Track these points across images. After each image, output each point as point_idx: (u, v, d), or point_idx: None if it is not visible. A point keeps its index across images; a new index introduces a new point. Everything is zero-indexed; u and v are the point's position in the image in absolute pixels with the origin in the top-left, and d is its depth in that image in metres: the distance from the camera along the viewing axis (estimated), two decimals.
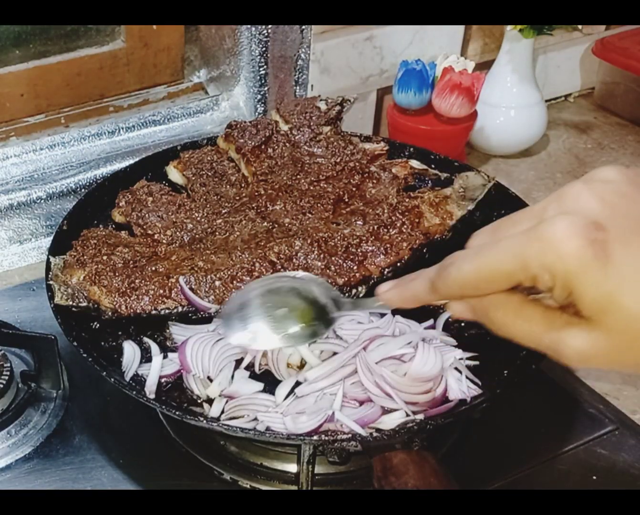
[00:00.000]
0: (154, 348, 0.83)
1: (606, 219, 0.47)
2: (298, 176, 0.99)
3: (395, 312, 0.84)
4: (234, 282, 0.86)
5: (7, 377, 0.86)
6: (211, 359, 0.80)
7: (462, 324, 0.87)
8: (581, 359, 0.48)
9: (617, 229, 0.46)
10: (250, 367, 0.82)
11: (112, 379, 0.78)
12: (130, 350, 0.83)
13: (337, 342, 0.82)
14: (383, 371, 0.77)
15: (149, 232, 0.94)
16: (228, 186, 1.01)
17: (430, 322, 0.86)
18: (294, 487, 0.81)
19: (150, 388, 0.79)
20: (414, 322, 0.84)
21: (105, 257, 0.88)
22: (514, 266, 0.48)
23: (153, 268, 0.87)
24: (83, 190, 1.12)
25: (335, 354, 0.80)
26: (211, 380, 0.80)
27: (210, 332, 0.83)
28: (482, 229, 0.55)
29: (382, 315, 0.84)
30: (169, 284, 0.85)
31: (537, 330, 0.49)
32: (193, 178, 1.01)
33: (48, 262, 0.89)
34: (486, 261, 0.50)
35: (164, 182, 1.03)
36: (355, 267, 0.88)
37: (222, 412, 0.77)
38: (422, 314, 0.86)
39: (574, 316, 0.48)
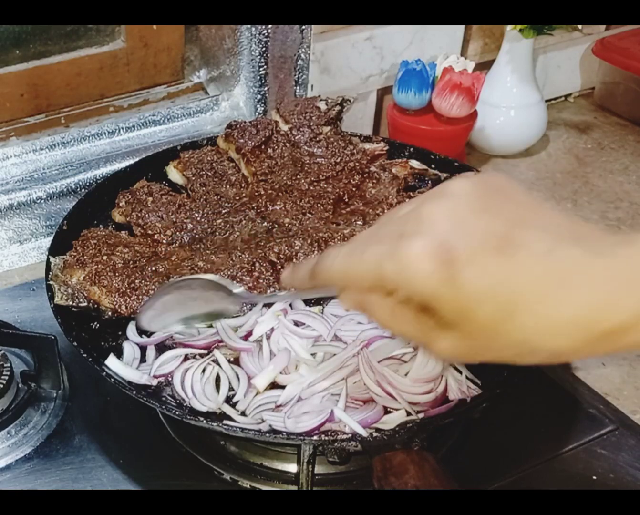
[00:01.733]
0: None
1: (455, 238, 0.50)
2: (298, 176, 0.99)
3: None
4: (234, 282, 0.85)
5: (7, 377, 0.86)
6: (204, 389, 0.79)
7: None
8: (450, 356, 0.54)
9: (465, 247, 0.50)
10: None
11: (112, 379, 0.78)
12: (130, 350, 0.83)
13: (336, 344, 0.82)
14: (385, 370, 0.77)
15: (149, 232, 0.94)
16: (228, 186, 1.01)
17: None
18: (294, 487, 0.81)
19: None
20: None
21: (105, 257, 0.88)
22: (374, 278, 0.53)
23: (153, 268, 0.87)
24: (83, 190, 1.12)
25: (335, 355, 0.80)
26: None
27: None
28: (374, 224, 0.59)
29: None
30: None
31: (409, 330, 0.54)
32: (193, 178, 1.01)
33: (48, 262, 0.89)
34: (352, 267, 0.55)
35: (164, 182, 1.04)
36: None
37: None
38: None
39: (438, 321, 0.52)
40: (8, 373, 0.87)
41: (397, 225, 0.54)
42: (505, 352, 0.51)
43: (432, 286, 0.50)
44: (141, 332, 0.84)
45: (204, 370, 0.80)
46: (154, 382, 0.79)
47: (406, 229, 0.52)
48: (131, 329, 0.85)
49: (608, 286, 0.48)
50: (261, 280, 0.86)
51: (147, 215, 0.96)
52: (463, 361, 0.52)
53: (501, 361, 0.52)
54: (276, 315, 0.83)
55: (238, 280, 0.86)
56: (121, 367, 0.80)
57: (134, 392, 0.76)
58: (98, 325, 0.85)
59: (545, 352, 0.50)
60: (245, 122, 1.06)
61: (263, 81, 1.21)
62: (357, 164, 1.01)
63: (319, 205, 0.96)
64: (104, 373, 0.78)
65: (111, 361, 0.80)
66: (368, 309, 0.56)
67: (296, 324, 0.83)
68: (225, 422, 0.75)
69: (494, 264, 0.49)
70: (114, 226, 0.98)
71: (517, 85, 1.31)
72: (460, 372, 0.79)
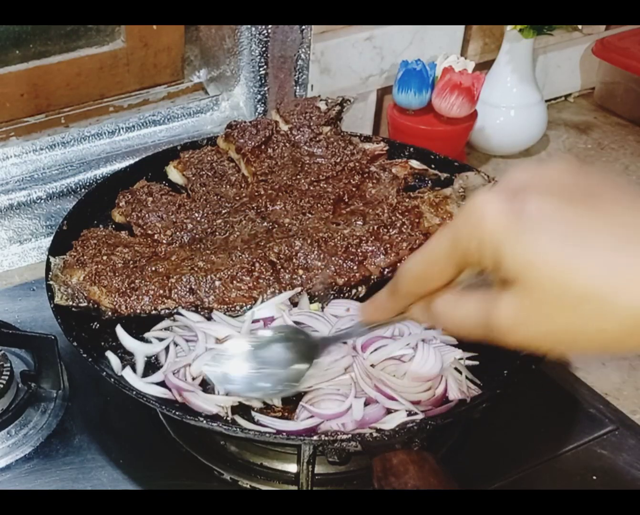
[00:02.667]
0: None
1: (529, 186, 0.48)
2: (298, 176, 0.99)
3: None
4: (234, 282, 0.86)
5: (7, 377, 0.86)
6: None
7: None
8: (512, 326, 0.48)
9: (537, 195, 0.47)
10: None
11: (112, 379, 0.78)
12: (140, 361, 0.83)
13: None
14: (381, 374, 0.77)
15: (149, 232, 0.94)
16: (228, 186, 1.01)
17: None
18: (294, 487, 0.81)
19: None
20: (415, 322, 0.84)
21: (105, 257, 0.88)
22: (449, 244, 0.50)
23: (153, 268, 0.87)
24: (83, 190, 1.12)
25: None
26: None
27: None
28: None
29: None
30: (169, 284, 0.85)
31: (472, 313, 0.51)
32: (193, 178, 1.01)
33: (48, 262, 0.89)
34: (428, 249, 0.52)
35: (164, 182, 1.04)
36: (355, 267, 0.88)
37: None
38: None
39: (502, 281, 0.49)
40: (8, 373, 0.87)
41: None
42: (573, 320, 0.47)
43: (499, 226, 0.47)
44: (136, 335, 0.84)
45: None
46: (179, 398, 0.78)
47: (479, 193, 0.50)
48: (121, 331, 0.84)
49: None
50: (261, 280, 0.86)
51: (147, 215, 0.96)
52: (528, 336, 0.48)
53: (568, 338, 0.48)
54: (279, 308, 0.83)
55: (238, 280, 0.86)
56: (137, 380, 0.79)
57: (134, 392, 0.76)
58: (98, 325, 0.85)
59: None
60: (245, 122, 1.06)
61: (263, 81, 1.21)
62: (357, 164, 1.01)
63: (319, 205, 0.96)
64: (104, 373, 0.78)
65: (127, 373, 0.80)
66: (434, 309, 0.54)
67: (297, 324, 0.83)
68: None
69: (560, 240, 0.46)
70: (114, 226, 0.98)
71: (517, 85, 1.31)
72: (460, 372, 0.79)
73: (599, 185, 0.49)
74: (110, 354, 0.81)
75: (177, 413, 0.74)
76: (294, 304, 0.86)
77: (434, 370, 0.78)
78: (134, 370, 0.80)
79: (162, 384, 0.79)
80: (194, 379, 0.78)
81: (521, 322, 0.48)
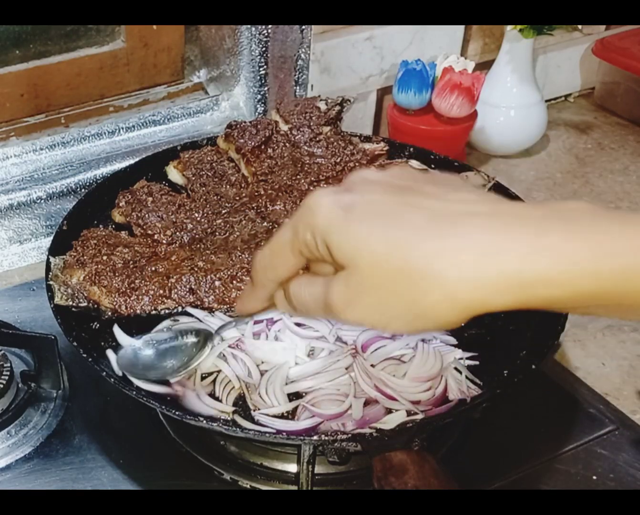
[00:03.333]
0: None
1: (357, 179, 0.55)
2: (298, 176, 0.99)
3: None
4: (234, 282, 0.86)
5: (7, 377, 0.86)
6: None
7: (462, 324, 0.87)
8: (343, 304, 0.53)
9: (361, 184, 0.54)
10: None
11: (112, 379, 0.78)
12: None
13: (336, 344, 0.81)
14: (381, 374, 0.77)
15: (149, 232, 0.94)
16: (228, 186, 1.01)
17: None
18: (294, 487, 0.81)
19: None
20: None
21: (105, 257, 0.88)
22: (290, 235, 0.56)
23: (153, 268, 0.87)
24: (83, 190, 1.12)
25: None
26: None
27: None
28: None
29: None
30: (169, 284, 0.85)
31: (315, 294, 0.56)
32: (193, 178, 1.01)
33: (48, 262, 0.89)
34: (274, 240, 0.58)
35: (164, 182, 1.04)
36: None
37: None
38: None
39: (334, 266, 0.54)
40: (8, 373, 0.87)
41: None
42: (392, 294, 0.51)
43: (329, 217, 0.52)
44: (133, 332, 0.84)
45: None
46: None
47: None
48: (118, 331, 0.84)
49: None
50: None
51: (147, 215, 0.96)
52: (357, 309, 0.53)
53: (391, 313, 0.52)
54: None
55: (238, 280, 0.86)
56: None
57: (134, 392, 0.76)
58: (98, 325, 0.85)
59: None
60: (245, 122, 1.06)
61: (263, 81, 1.21)
62: (357, 164, 1.01)
63: None
64: (104, 373, 0.78)
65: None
66: (290, 294, 0.58)
67: (298, 325, 0.83)
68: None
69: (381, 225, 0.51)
70: (114, 226, 0.98)
71: (517, 85, 1.31)
72: (460, 372, 0.79)
73: (422, 179, 0.55)
74: (110, 353, 0.81)
75: (177, 413, 0.74)
76: None
77: (434, 370, 0.78)
78: None
79: (163, 383, 0.79)
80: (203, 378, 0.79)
81: (350, 300, 0.53)
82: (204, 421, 0.73)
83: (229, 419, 0.75)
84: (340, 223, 0.52)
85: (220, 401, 0.77)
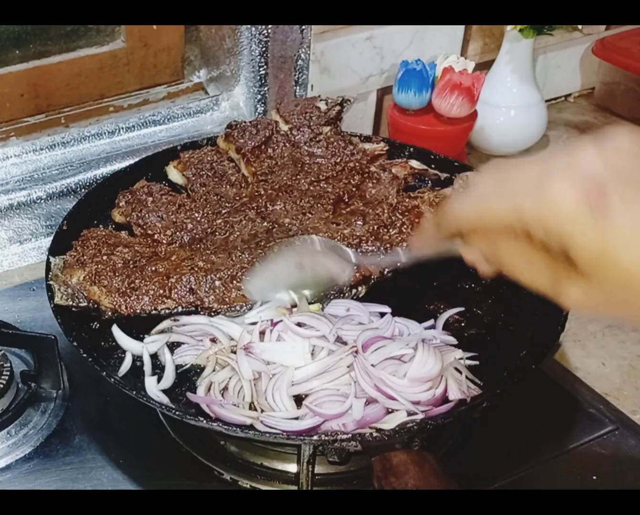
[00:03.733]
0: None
1: (608, 180, 0.48)
2: (298, 176, 0.99)
3: (395, 313, 0.84)
4: (234, 282, 0.86)
5: (7, 377, 0.86)
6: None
7: (462, 324, 0.87)
8: (579, 308, 0.51)
9: (618, 188, 0.48)
10: None
11: (112, 379, 0.78)
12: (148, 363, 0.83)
13: (336, 344, 0.81)
14: (382, 374, 0.77)
15: (149, 232, 0.94)
16: (228, 186, 1.01)
17: (431, 322, 0.86)
18: (294, 487, 0.81)
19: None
20: (414, 322, 0.84)
21: (105, 257, 0.88)
22: (511, 215, 0.51)
23: (153, 268, 0.87)
24: (83, 190, 1.12)
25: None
26: None
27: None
28: (487, 172, 0.56)
29: (382, 315, 0.84)
30: (169, 284, 0.85)
31: (541, 278, 0.52)
32: (193, 178, 1.01)
33: (48, 262, 0.89)
34: (487, 206, 0.53)
35: (164, 182, 1.03)
36: (355, 267, 0.87)
37: None
38: (422, 314, 0.86)
39: (572, 269, 0.50)
40: (8, 373, 0.87)
41: (535, 166, 0.52)
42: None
43: (574, 225, 0.48)
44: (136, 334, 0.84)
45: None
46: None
47: (551, 165, 0.50)
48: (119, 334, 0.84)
49: None
50: None
51: (147, 215, 0.96)
52: (596, 312, 0.51)
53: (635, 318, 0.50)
54: (280, 313, 0.83)
55: (238, 280, 0.86)
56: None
57: (134, 392, 0.76)
58: (98, 325, 0.85)
59: None
60: (245, 122, 1.06)
61: (263, 81, 1.21)
62: (357, 164, 1.01)
63: (319, 205, 0.96)
64: (104, 373, 0.78)
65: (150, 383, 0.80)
66: (499, 257, 0.55)
67: (299, 325, 0.83)
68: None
69: None
70: (114, 226, 0.98)
71: (517, 85, 1.31)
72: (461, 372, 0.79)
73: None
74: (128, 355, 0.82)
75: (177, 413, 0.74)
76: (293, 305, 0.86)
77: (434, 370, 0.78)
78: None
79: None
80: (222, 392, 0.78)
81: (589, 306, 0.50)
82: (204, 421, 0.74)
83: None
84: (590, 230, 0.47)
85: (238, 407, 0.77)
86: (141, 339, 0.84)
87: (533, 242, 0.51)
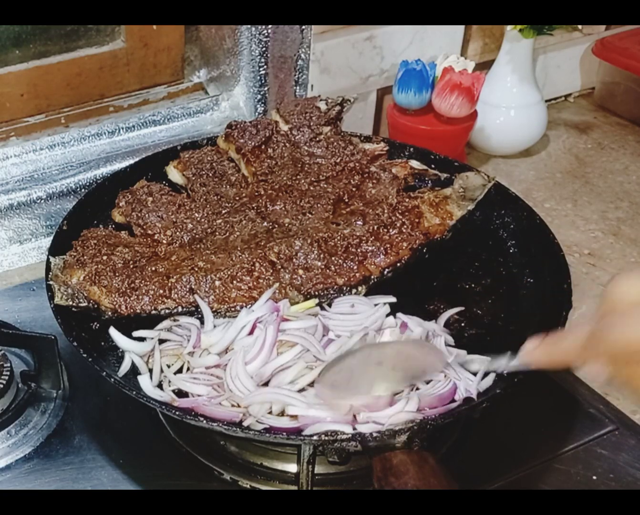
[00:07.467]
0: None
1: None
2: (298, 176, 0.99)
3: (394, 310, 0.84)
4: (234, 282, 0.86)
5: (7, 377, 0.86)
6: None
7: (462, 324, 0.87)
8: None
9: None
10: None
11: (112, 379, 0.78)
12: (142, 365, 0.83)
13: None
14: None
15: (149, 232, 0.94)
16: (228, 186, 1.01)
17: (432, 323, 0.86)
18: (294, 487, 0.81)
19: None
20: (417, 318, 0.84)
21: (105, 257, 0.88)
22: None
23: (153, 268, 0.87)
24: (83, 190, 1.12)
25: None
26: None
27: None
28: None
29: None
30: (169, 284, 0.85)
31: None
32: (193, 178, 1.01)
33: (48, 262, 0.89)
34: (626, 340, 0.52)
35: (164, 182, 1.03)
36: (355, 267, 0.88)
37: None
38: (422, 314, 0.86)
39: None
40: (8, 373, 0.87)
41: None
42: None
43: None
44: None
45: None
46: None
47: None
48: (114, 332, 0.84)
49: None
50: (261, 280, 0.86)
51: (147, 215, 0.96)
52: None
53: None
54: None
55: (238, 280, 0.86)
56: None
57: (134, 392, 0.76)
58: (98, 325, 0.85)
59: None
60: (245, 122, 1.06)
61: (263, 81, 1.21)
62: (357, 164, 1.01)
63: (319, 205, 0.96)
64: (104, 373, 0.78)
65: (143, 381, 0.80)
66: (633, 381, 0.55)
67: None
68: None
69: None
70: (114, 226, 0.98)
71: (517, 85, 1.31)
72: (461, 373, 0.79)
73: None
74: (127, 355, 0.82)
75: (177, 413, 0.74)
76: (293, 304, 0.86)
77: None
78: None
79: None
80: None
81: None
82: (204, 421, 0.74)
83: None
84: None
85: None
86: (141, 339, 0.84)
87: None
